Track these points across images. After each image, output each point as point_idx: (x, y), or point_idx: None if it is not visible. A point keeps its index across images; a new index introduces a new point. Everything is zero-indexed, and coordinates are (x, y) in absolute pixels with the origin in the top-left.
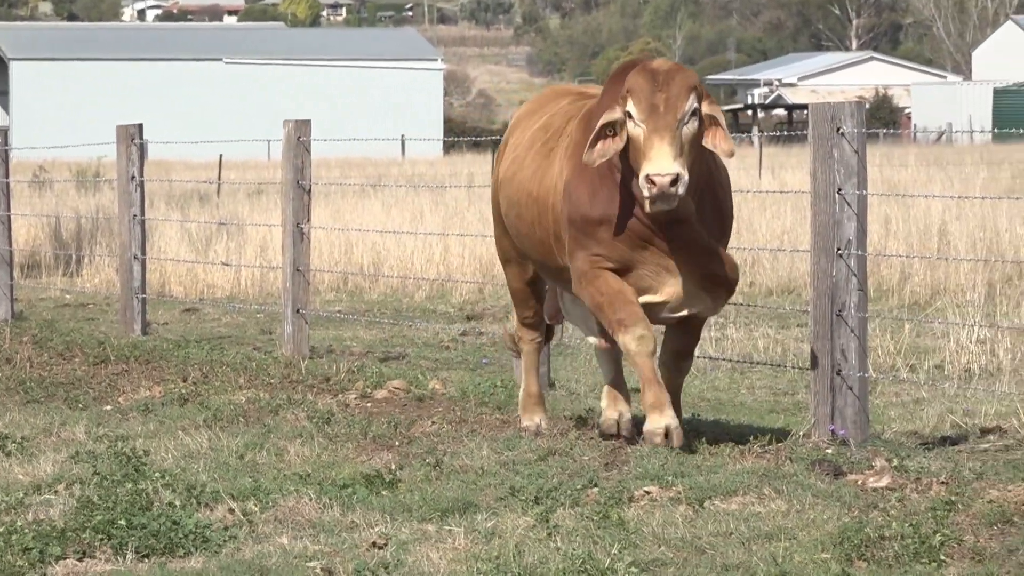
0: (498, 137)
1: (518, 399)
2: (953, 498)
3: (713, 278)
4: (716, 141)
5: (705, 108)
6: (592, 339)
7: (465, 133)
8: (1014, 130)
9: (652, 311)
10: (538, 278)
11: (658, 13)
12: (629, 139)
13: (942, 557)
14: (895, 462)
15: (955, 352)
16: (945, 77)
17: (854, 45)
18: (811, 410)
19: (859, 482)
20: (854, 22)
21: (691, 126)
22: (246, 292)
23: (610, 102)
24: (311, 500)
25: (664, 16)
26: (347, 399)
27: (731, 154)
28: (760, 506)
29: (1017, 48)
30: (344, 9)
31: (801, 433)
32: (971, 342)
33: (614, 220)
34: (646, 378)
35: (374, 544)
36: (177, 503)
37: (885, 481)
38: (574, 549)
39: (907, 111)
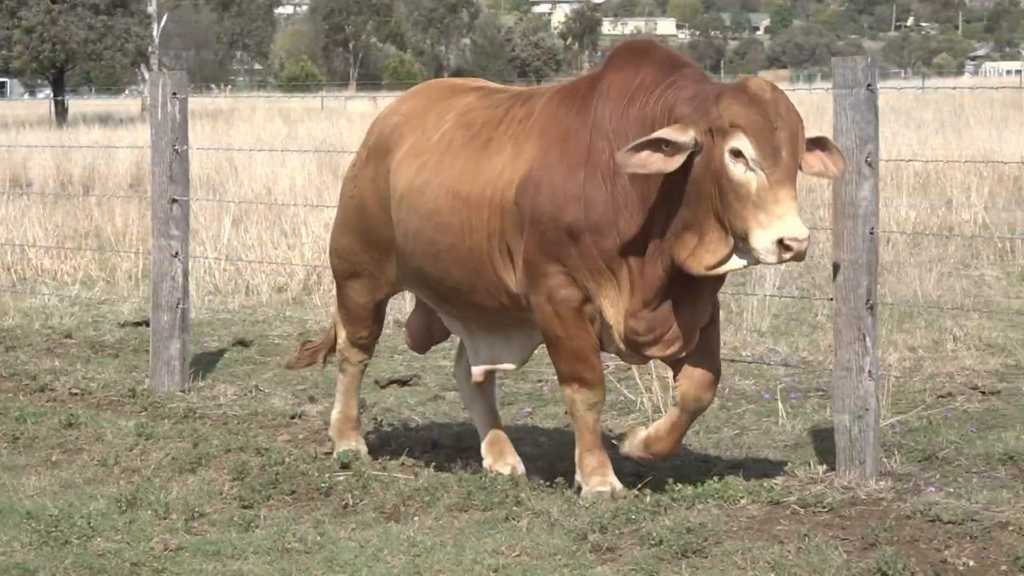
0: None
1: (332, 422)
2: None
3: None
4: (827, 162)
5: None
6: (477, 369)
7: None
8: None
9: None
10: (385, 298)
11: None
12: (727, 181)
13: None
14: None
15: None
16: None
17: None
18: None
19: None
20: None
21: None
22: None
23: (619, 82)
24: None
25: None
26: None
27: (843, 173)
28: None
29: None
30: None
31: None
32: None
33: (606, 228)
34: (588, 444)
35: None
36: None
37: None
38: None
39: None
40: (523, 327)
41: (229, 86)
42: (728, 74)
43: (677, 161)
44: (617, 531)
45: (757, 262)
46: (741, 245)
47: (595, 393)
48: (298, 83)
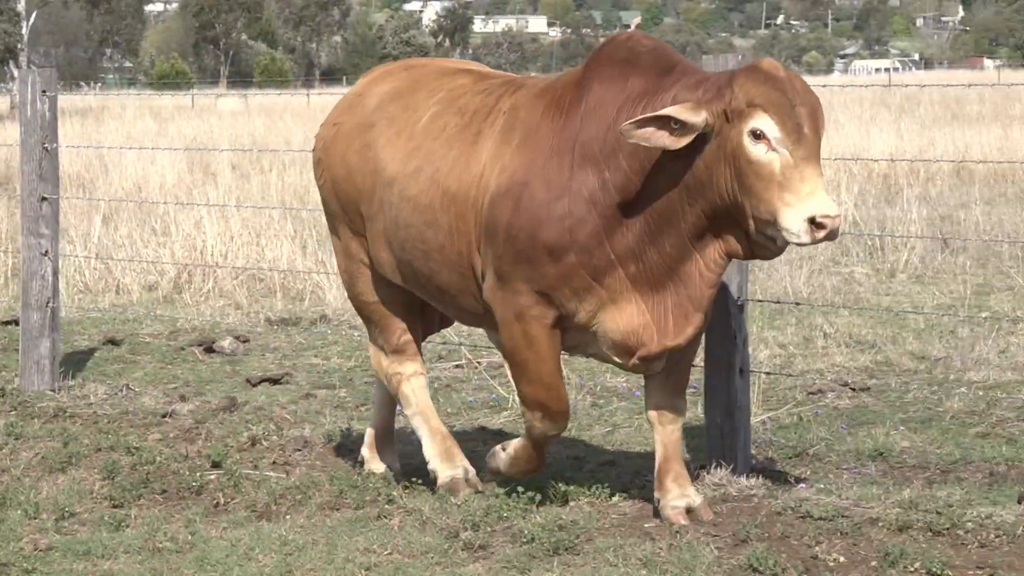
0: None
1: (432, 453)
2: None
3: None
4: None
5: None
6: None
7: None
8: None
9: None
10: (400, 290)
11: None
12: (746, 163)
13: None
14: None
15: None
16: None
17: None
18: None
19: None
20: None
21: None
22: None
23: (607, 98)
24: None
25: None
26: None
27: None
28: None
29: None
30: None
31: None
32: None
33: (577, 248)
34: (534, 458)
35: None
36: None
37: None
38: None
39: None
40: None
41: (99, 84)
42: None
43: (683, 142)
44: (489, 529)
45: (784, 245)
46: (767, 230)
47: (558, 426)
48: (168, 81)
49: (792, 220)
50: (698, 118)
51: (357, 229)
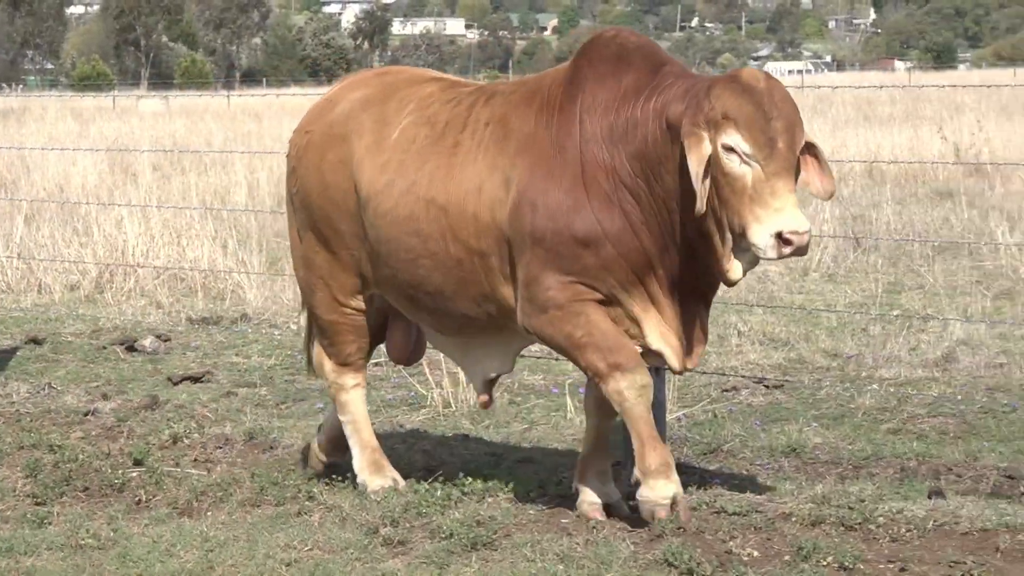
0: None
1: (362, 465)
2: None
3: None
4: (814, 178)
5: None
6: (482, 396)
7: None
8: None
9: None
10: (360, 306)
11: None
12: (721, 175)
13: None
14: None
15: None
16: None
17: None
18: None
19: None
20: None
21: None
22: None
23: (603, 80)
24: None
25: None
26: None
27: (832, 195)
28: None
29: None
30: None
31: None
32: None
33: (612, 238)
34: (647, 436)
35: None
36: None
37: None
38: None
39: None
40: (503, 333)
41: (21, 85)
42: (517, 73)
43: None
44: (408, 525)
45: (756, 260)
46: (741, 243)
47: (640, 375)
48: (90, 82)
49: (759, 235)
50: (707, 146)
51: (328, 243)
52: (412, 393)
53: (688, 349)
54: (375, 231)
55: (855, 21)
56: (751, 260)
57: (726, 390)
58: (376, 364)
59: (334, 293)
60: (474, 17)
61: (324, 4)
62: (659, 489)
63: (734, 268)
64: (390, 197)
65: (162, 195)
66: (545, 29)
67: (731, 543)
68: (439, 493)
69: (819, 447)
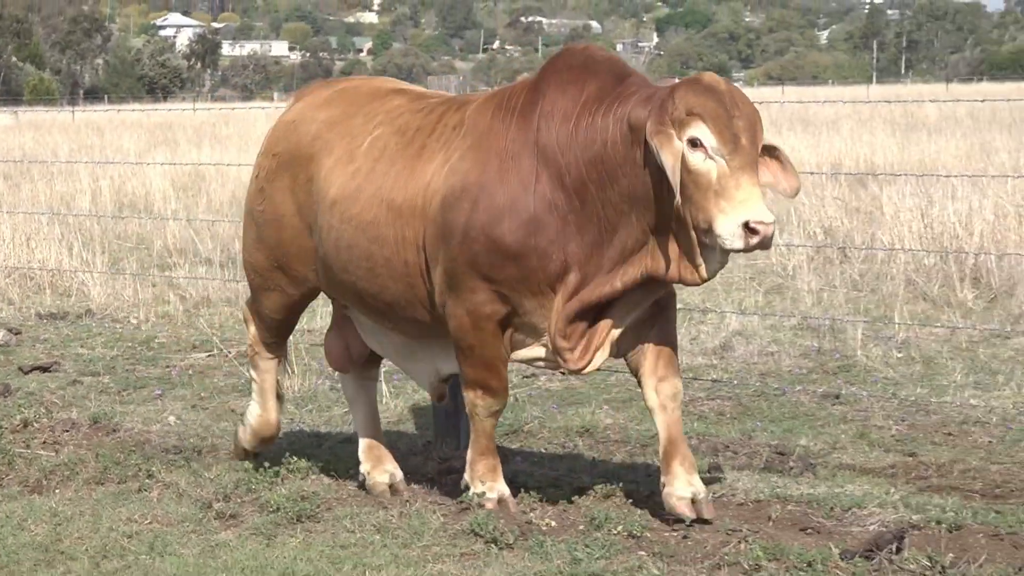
0: None
1: (246, 429)
2: None
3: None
4: (780, 178)
5: None
6: (439, 392)
7: None
8: None
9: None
10: (301, 309)
11: None
12: (687, 172)
13: None
14: None
15: None
16: None
17: None
18: None
19: None
20: None
21: None
22: None
23: (564, 102)
24: None
25: None
26: None
27: (798, 192)
28: None
29: None
30: None
31: None
32: None
33: (539, 252)
34: (483, 448)
35: None
36: None
37: None
38: None
39: None
40: None
41: None
42: None
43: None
44: (239, 499)
45: (725, 252)
46: (705, 239)
47: (498, 401)
48: None
49: (725, 225)
50: (679, 142)
51: (292, 260)
52: (242, 380)
53: (585, 350)
54: (336, 235)
55: (640, 44)
56: (720, 259)
57: (526, 376)
58: (209, 355)
59: (288, 301)
60: (296, 40)
61: (160, 28)
62: (485, 491)
63: (704, 266)
64: (357, 202)
65: (13, 201)
66: (361, 51)
67: (531, 514)
68: (267, 471)
69: (610, 427)
